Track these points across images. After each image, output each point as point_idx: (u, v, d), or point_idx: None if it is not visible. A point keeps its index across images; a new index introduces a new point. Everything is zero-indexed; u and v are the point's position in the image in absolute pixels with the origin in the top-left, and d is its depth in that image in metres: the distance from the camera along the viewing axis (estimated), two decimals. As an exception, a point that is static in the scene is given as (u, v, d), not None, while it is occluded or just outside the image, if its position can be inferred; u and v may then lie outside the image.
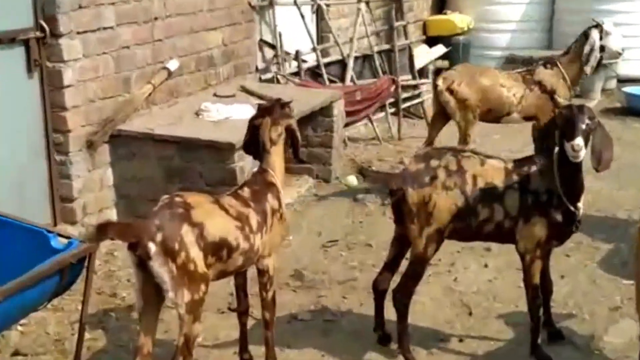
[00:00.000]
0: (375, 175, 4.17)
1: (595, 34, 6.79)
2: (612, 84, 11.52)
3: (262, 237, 3.77)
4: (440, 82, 6.65)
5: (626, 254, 5.57)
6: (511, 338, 4.50)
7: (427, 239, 3.98)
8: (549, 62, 6.89)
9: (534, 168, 4.02)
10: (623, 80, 11.51)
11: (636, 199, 6.74)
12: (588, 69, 6.75)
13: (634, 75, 11.71)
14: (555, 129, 3.89)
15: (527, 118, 6.82)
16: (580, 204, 3.99)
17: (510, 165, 4.07)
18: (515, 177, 4.01)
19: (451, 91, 6.61)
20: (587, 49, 6.76)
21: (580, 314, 4.76)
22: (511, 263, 5.35)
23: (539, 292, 4.13)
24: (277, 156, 3.96)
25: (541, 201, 3.95)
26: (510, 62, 11.99)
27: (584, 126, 3.78)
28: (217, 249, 3.54)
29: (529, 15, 12.52)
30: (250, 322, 4.32)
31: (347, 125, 7.94)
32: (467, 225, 4.01)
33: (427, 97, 9.40)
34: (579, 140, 3.75)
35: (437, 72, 6.80)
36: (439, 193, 3.94)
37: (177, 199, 3.54)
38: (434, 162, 4.01)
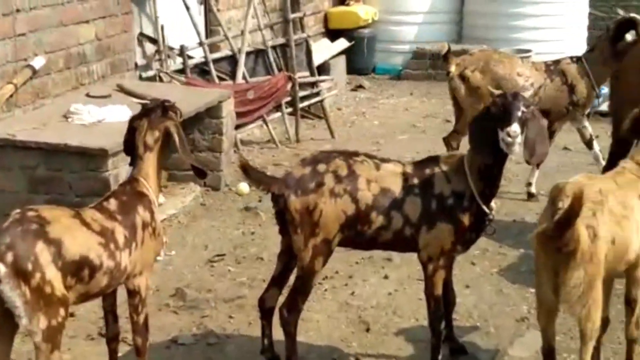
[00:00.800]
0: (258, 175, 4.10)
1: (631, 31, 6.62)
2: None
3: (130, 254, 3.69)
4: (452, 67, 6.66)
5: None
6: (411, 354, 4.54)
7: (314, 251, 3.97)
8: (574, 57, 6.92)
9: (437, 170, 4.06)
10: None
11: (545, 203, 6.87)
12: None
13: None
14: (486, 120, 3.94)
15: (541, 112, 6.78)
16: (493, 204, 4.07)
17: (409, 169, 4.09)
18: (415, 181, 4.03)
19: (463, 78, 6.60)
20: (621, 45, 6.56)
21: (485, 326, 4.83)
22: (413, 274, 5.45)
23: (441, 304, 4.16)
24: (151, 163, 3.87)
25: (447, 205, 4.00)
26: (419, 56, 12.20)
27: (519, 113, 3.85)
28: (78, 269, 3.44)
29: (437, 7, 12.75)
30: (124, 349, 4.23)
31: (238, 127, 7.90)
32: (359, 235, 4.02)
33: (328, 96, 9.44)
34: (515, 127, 3.81)
35: (446, 56, 6.71)
36: (326, 201, 3.93)
37: (30, 213, 3.43)
38: (321, 167, 4.00)
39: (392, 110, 10.41)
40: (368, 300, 5.14)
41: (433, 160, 4.14)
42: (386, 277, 5.46)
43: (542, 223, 3.78)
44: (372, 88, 11.53)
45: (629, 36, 6.57)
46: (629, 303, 4.01)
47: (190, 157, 3.94)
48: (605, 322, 4.02)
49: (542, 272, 3.80)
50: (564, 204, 3.65)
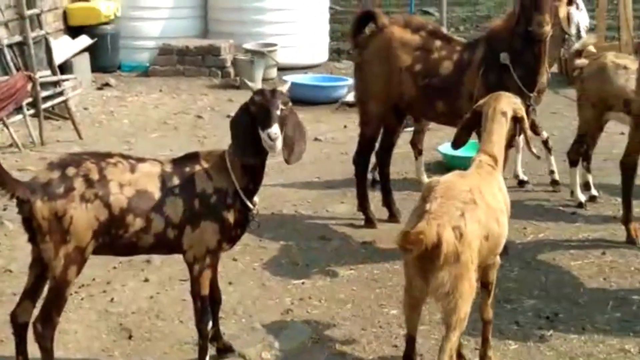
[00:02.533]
0: (4, 177, 3.77)
1: (574, 11, 6.82)
2: (273, 72, 11.99)
3: None
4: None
5: (295, 253, 5.77)
6: (177, 358, 4.41)
7: (66, 260, 3.76)
8: None
9: (197, 167, 3.97)
10: (283, 69, 12.04)
11: (302, 193, 7.03)
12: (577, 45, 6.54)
13: (293, 62, 12.30)
14: (246, 119, 3.89)
15: None
16: (256, 199, 4.04)
17: (168, 168, 3.97)
18: (175, 180, 3.92)
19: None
20: (573, 28, 6.79)
21: (250, 321, 4.80)
22: (175, 274, 5.34)
23: (208, 304, 4.09)
24: None
25: (210, 203, 3.92)
26: (165, 52, 12.02)
27: (278, 112, 3.82)
28: None
29: (181, 2, 12.65)
30: None
31: (-25, 131, 7.37)
32: (116, 240, 3.84)
33: (72, 95, 9.07)
34: (275, 129, 3.78)
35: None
36: (76, 206, 3.72)
37: None
38: (70, 171, 3.78)
39: (142, 107, 10.19)
40: (129, 306, 4.96)
41: (192, 157, 4.04)
42: (146, 280, 5.30)
43: (411, 222, 3.79)
44: (119, 86, 11.23)
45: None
46: (486, 286, 4.12)
47: None
48: None
49: (409, 266, 3.81)
50: (432, 205, 3.70)
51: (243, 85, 11.23)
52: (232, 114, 9.41)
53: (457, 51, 5.75)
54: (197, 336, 4.32)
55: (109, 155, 3.99)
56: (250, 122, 3.89)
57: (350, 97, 10.51)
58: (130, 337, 4.61)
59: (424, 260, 3.67)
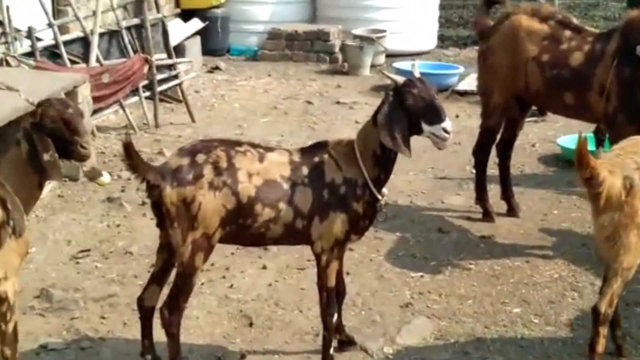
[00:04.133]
0: (137, 160, 3.78)
1: None
2: (381, 59, 11.86)
3: (-9, 258, 3.35)
4: None
5: (412, 244, 5.68)
6: (298, 348, 4.39)
7: (193, 246, 3.76)
8: None
9: (326, 157, 3.91)
10: (392, 55, 11.90)
11: (416, 184, 6.94)
12: None
13: (402, 49, 12.14)
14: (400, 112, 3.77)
15: None
16: (385, 190, 3.98)
17: (296, 157, 3.92)
18: (304, 170, 3.87)
19: None
20: None
21: (369, 314, 4.75)
22: (292, 263, 5.34)
23: (334, 296, 4.05)
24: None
25: (339, 194, 3.86)
26: (274, 37, 12.03)
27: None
28: None
29: (290, -14, 12.62)
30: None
31: (93, 113, 7.49)
32: (244, 230, 3.82)
33: (186, 78, 9.14)
34: (449, 122, 3.77)
35: None
36: (205, 194, 3.71)
37: None
38: (200, 157, 3.77)
39: (251, 92, 10.22)
40: (248, 293, 4.96)
41: (321, 146, 3.98)
42: (264, 267, 5.29)
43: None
44: (229, 69, 11.29)
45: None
46: None
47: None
48: None
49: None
50: (609, 154, 4.00)
51: (351, 72, 11.17)
52: (343, 100, 9.65)
53: (588, 42, 5.52)
54: (317, 326, 4.30)
55: (238, 143, 3.95)
56: (405, 116, 3.78)
57: (462, 86, 10.35)
58: (251, 324, 4.60)
59: (594, 203, 3.85)
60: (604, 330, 3.92)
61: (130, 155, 3.71)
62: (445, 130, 3.77)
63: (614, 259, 3.83)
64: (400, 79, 3.89)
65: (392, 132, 3.78)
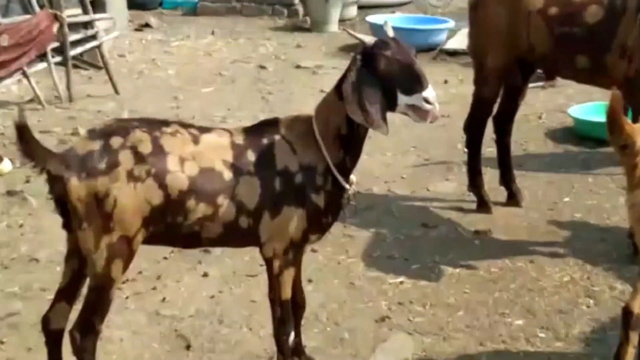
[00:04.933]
0: (34, 145, 3.70)
1: None
2: (352, 11, 11.86)
3: None
4: None
5: (390, 243, 5.69)
6: (247, 377, 4.39)
7: (109, 252, 3.71)
8: None
9: (278, 138, 3.89)
10: (365, 7, 11.91)
11: (395, 167, 6.99)
12: None
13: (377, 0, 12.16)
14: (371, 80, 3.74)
15: None
16: (353, 177, 3.97)
17: (240, 139, 3.88)
18: (250, 155, 3.84)
19: None
20: None
21: (337, 331, 4.75)
22: (240, 268, 5.34)
23: (290, 310, 4.04)
24: None
25: (294, 184, 3.85)
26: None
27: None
28: None
29: None
30: None
31: (-10, 83, 7.45)
32: (174, 229, 3.78)
33: (107, 39, 9.07)
34: (432, 89, 3.72)
35: None
36: (122, 186, 3.66)
37: None
38: (115, 141, 3.71)
39: (190, 55, 10.20)
40: (185, 308, 4.95)
41: (271, 125, 3.94)
42: (205, 274, 5.28)
43: None
44: (162, 27, 11.29)
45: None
46: None
47: None
48: None
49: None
50: None
51: (314, 28, 11.15)
52: (304, 64, 9.65)
53: (607, -6, 5.53)
54: (271, 348, 4.29)
55: (165, 122, 3.90)
56: (378, 85, 3.76)
57: (452, 44, 10.39)
58: (188, 346, 4.59)
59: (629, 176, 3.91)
60: (635, 338, 3.92)
61: (24, 139, 3.64)
62: (426, 101, 3.73)
63: None
64: (369, 40, 3.86)
65: (362, 103, 3.76)
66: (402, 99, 3.75)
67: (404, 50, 3.77)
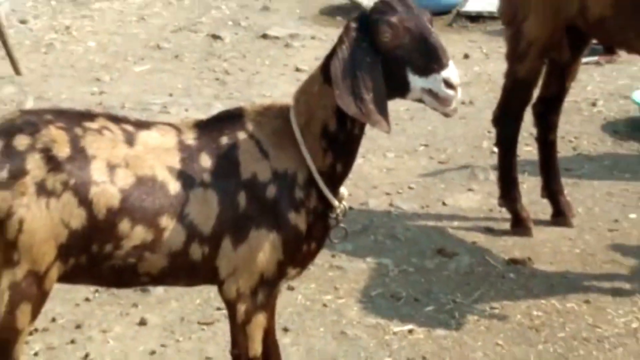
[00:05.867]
0: None
1: None
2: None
3: None
4: None
5: (393, 278, 5.73)
6: None
7: (12, 293, 3.72)
8: None
9: (243, 135, 3.90)
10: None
11: (399, 174, 7.05)
12: None
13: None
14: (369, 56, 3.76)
15: None
16: (343, 190, 3.99)
17: (190, 137, 3.89)
18: (204, 160, 3.86)
19: None
20: None
21: (324, 400, 4.77)
22: (189, 312, 5.37)
23: (259, 372, 4.07)
24: None
25: (265, 199, 3.86)
26: None
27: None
28: None
29: None
30: None
31: None
32: (101, 262, 3.79)
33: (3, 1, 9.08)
34: (454, 68, 3.71)
35: None
36: (29, 204, 3.67)
37: None
38: (20, 141, 3.71)
39: (118, 21, 10.23)
40: (123, 367, 4.98)
41: (233, 117, 3.96)
42: (143, 322, 5.31)
43: None
44: (79, -17, 11.28)
45: None
46: None
47: None
48: None
49: None
50: None
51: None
52: (273, 32, 9.69)
53: None
54: None
55: (89, 115, 3.90)
56: (379, 63, 3.78)
57: (473, 5, 10.43)
58: (118, 423, 4.60)
59: None
60: None
61: None
62: (448, 83, 3.74)
63: None
64: (367, 1, 3.88)
65: (356, 89, 3.77)
66: (416, 82, 3.75)
67: (416, 15, 3.78)
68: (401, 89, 3.76)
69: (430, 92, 3.74)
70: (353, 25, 3.78)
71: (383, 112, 3.76)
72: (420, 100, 3.77)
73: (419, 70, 3.73)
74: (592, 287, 5.62)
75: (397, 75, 3.76)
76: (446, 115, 3.85)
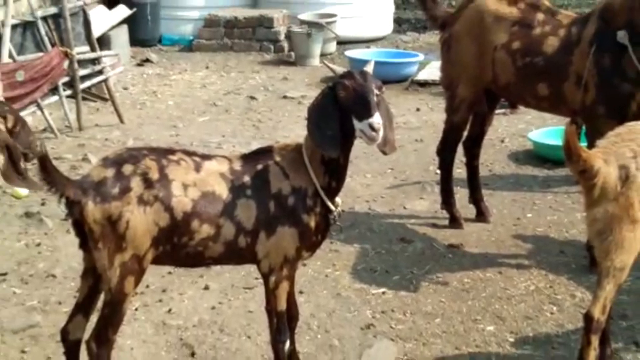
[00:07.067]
0: (54, 174, 3.68)
1: None
2: (332, 46, 11.85)
3: None
4: None
5: (372, 257, 5.68)
6: (247, 381, 4.35)
7: (122, 270, 3.68)
8: None
9: (271, 163, 3.87)
10: (344, 42, 11.89)
11: (374, 188, 6.96)
12: None
13: (355, 35, 12.13)
14: (332, 105, 3.75)
15: None
16: (338, 200, 3.95)
17: (237, 165, 3.86)
18: (247, 180, 3.83)
19: None
20: None
21: (326, 338, 4.71)
22: (238, 281, 5.30)
23: (286, 320, 4.00)
24: None
25: (287, 206, 3.83)
26: (211, 24, 11.96)
27: (375, 98, 3.70)
28: None
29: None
30: None
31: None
32: (180, 249, 3.76)
33: (113, 74, 9.03)
34: (378, 117, 3.64)
35: None
36: (133, 210, 3.64)
37: None
38: (127, 168, 3.69)
39: (188, 87, 10.15)
40: (189, 318, 4.89)
41: (265, 152, 3.93)
42: (207, 287, 5.23)
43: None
44: (161, 62, 11.23)
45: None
46: None
47: None
48: None
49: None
50: (604, 142, 3.99)
51: (299, 62, 11.14)
52: (290, 94, 9.65)
53: (564, 26, 5.50)
54: (267, 354, 4.26)
55: (171, 151, 3.88)
56: (336, 111, 3.75)
57: (423, 76, 10.39)
58: (192, 354, 4.53)
59: (587, 195, 3.91)
60: (595, 341, 3.92)
61: (46, 168, 3.61)
62: (371, 127, 3.68)
63: (606, 256, 3.86)
64: (339, 70, 3.88)
65: (318, 128, 3.77)
66: (357, 124, 3.73)
67: (365, 81, 3.74)
68: (350, 128, 3.73)
69: (362, 132, 3.71)
70: (329, 84, 3.80)
71: (332, 142, 3.77)
72: (360, 137, 3.75)
73: (357, 117, 3.70)
74: (503, 262, 5.57)
75: (346, 119, 3.74)
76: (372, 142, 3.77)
